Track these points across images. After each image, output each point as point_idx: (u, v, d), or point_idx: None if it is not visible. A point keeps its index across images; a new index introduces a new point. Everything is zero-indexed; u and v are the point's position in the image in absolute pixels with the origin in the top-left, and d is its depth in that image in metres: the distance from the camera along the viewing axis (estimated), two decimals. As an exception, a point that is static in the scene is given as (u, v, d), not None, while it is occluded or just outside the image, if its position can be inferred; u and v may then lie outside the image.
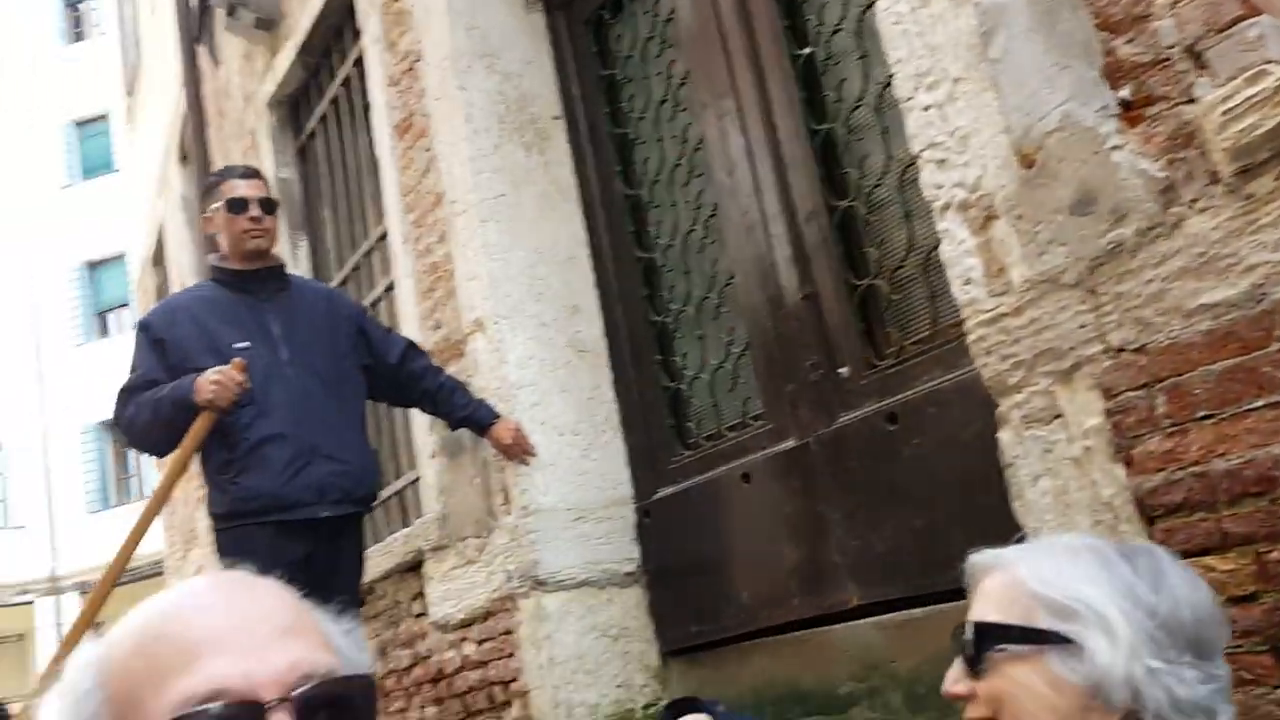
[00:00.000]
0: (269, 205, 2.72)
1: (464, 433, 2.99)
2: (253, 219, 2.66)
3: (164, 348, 2.60)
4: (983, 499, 1.79)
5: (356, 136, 4.19)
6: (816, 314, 2.44)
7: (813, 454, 2.43)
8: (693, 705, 1.27)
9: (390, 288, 3.79)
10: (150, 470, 14.91)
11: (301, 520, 2.56)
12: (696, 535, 2.78)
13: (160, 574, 11.75)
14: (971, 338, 1.68)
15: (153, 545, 14.26)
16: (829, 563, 2.37)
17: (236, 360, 2.52)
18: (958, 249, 1.69)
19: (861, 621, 2.30)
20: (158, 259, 9.40)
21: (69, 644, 2.65)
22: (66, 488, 19.73)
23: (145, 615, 0.71)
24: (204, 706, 0.64)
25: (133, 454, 19.79)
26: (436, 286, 3.30)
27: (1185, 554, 1.36)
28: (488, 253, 2.99)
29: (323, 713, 0.67)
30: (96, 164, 20.45)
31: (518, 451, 2.81)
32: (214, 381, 2.48)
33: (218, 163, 5.64)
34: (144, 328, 2.68)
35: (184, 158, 7.26)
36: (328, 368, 2.70)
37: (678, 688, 2.87)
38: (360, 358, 2.78)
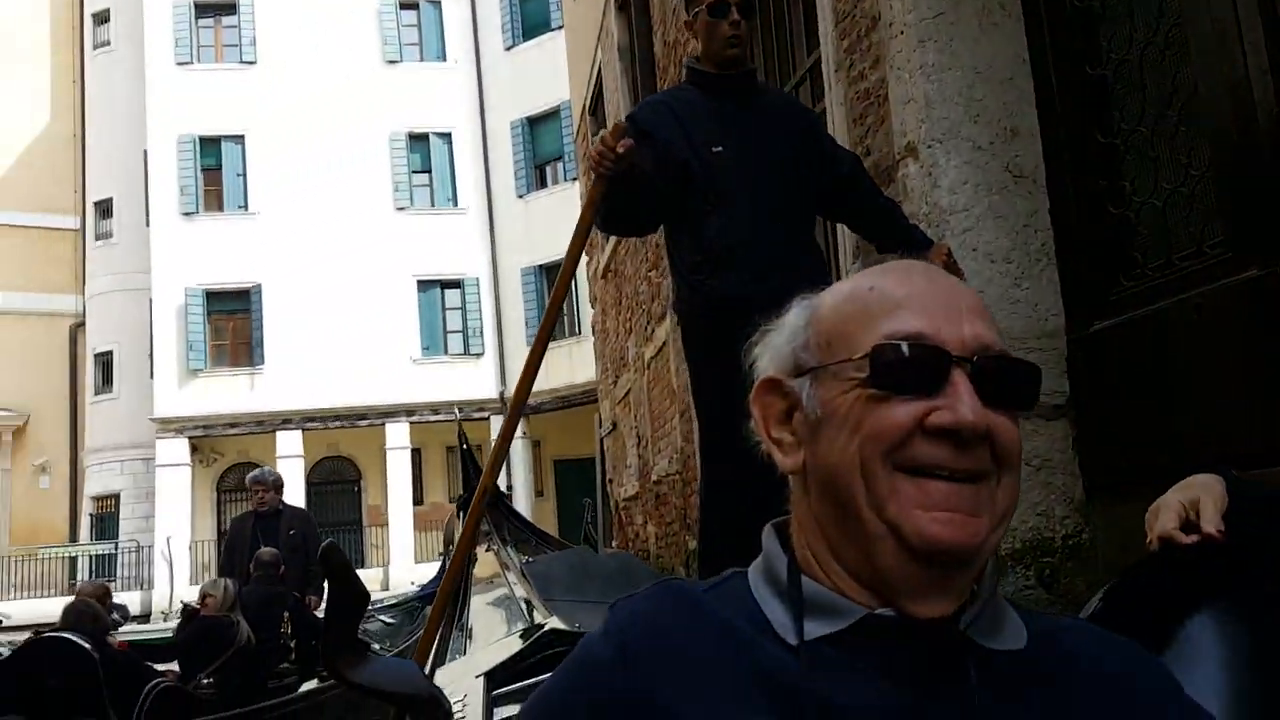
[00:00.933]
0: (747, 9, 2.78)
1: (891, 257, 3.05)
2: (732, 24, 2.73)
3: (651, 140, 2.69)
4: None
5: (788, -31, 4.24)
6: (1299, 127, 2.19)
7: (1281, 285, 2.22)
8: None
9: (820, 116, 3.87)
10: (585, 307, 16.47)
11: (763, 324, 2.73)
12: (1134, 371, 2.67)
13: (594, 400, 13.15)
14: None
15: (586, 375, 15.81)
16: (1288, 403, 2.19)
17: (617, 124, 2.60)
18: None
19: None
20: (594, 108, 10.16)
21: (496, 454, 2.97)
22: (511, 322, 22.37)
23: (858, 279, 0.85)
24: (902, 342, 0.77)
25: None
26: (868, 113, 3.33)
27: None
28: (924, 74, 2.95)
29: (993, 383, 0.76)
30: (536, 23, 22.18)
31: (951, 262, 2.77)
32: (598, 151, 2.56)
33: (655, 11, 5.94)
34: (631, 120, 2.80)
35: (621, 7, 7.70)
36: (791, 175, 2.73)
37: (1100, 522, 2.83)
38: (814, 168, 2.81)
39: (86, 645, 4.99)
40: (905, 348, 0.76)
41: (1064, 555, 2.83)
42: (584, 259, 12.04)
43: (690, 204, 2.72)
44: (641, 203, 2.73)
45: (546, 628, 2.79)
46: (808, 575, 0.80)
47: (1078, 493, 2.87)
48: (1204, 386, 2.44)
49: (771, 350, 0.85)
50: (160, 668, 6.27)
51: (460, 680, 2.61)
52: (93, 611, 5.61)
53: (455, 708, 2.26)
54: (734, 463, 2.56)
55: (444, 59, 23.18)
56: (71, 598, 6.41)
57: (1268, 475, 2.27)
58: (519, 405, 2.88)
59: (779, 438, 0.83)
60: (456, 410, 12.63)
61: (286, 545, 7.01)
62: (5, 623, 16.98)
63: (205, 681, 6.09)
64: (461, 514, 5.90)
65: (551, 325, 2.89)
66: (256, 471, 7.49)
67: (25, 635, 5.99)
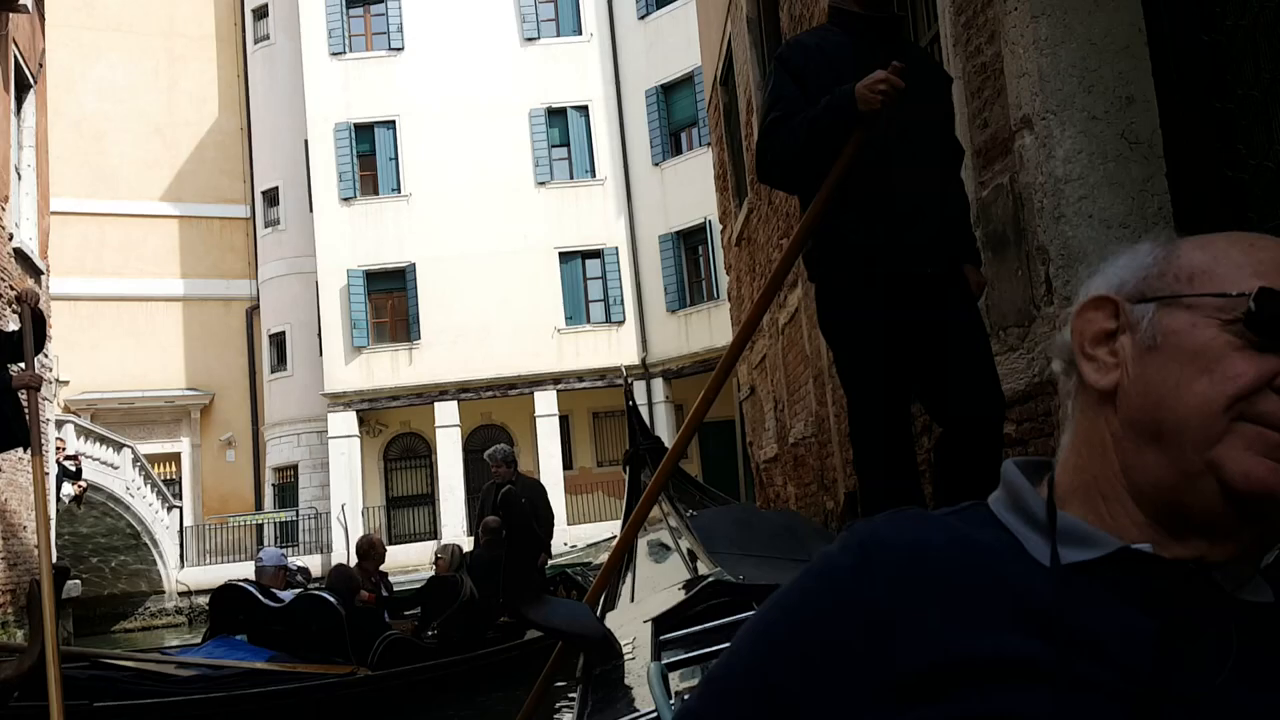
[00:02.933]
0: None
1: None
2: None
3: (803, 78, 2.65)
4: None
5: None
6: None
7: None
8: None
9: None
10: (721, 274, 16.69)
11: (908, 274, 2.60)
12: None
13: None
14: None
15: (725, 339, 15.98)
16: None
17: (894, 64, 2.46)
18: None
19: None
20: (725, 79, 10.31)
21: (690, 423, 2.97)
22: (650, 289, 22.74)
23: (1235, 234, 0.82)
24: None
25: (703, 260, 22.23)
26: (984, 86, 3.45)
27: None
28: (1038, 48, 3.07)
29: None
30: (669, -7, 22.30)
31: (980, 294, 2.81)
32: (883, 87, 2.43)
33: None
34: (782, 60, 2.74)
35: (749, -20, 7.82)
36: (933, 123, 2.73)
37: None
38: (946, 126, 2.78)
39: (334, 601, 6.51)
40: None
41: None
42: (720, 226, 12.22)
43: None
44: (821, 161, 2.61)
45: (710, 579, 2.83)
46: (1062, 507, 0.79)
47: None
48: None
49: (1110, 273, 0.83)
50: (409, 613, 8.08)
51: (628, 625, 2.67)
52: (345, 574, 7.42)
53: (625, 649, 2.36)
54: (883, 429, 2.64)
55: (579, 33, 23.60)
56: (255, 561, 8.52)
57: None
58: (724, 374, 2.83)
59: (1093, 354, 0.81)
60: (624, 372, 13.13)
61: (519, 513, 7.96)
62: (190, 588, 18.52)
63: (430, 633, 7.38)
64: (626, 468, 6.28)
65: (762, 312, 2.87)
66: (492, 449, 8.53)
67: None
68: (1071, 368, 0.83)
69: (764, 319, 8.91)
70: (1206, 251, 0.80)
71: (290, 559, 10.72)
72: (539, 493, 8.39)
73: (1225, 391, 0.74)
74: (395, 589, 8.77)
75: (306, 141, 23.25)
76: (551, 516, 8.33)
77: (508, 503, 1.82)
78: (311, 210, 22.98)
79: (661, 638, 2.34)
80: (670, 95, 22.63)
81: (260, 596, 6.75)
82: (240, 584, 7.10)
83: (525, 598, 1.80)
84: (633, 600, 3.49)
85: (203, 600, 19.28)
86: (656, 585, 3.43)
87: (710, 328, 20.64)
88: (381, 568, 8.33)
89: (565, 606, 2.46)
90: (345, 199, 22.73)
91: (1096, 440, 0.80)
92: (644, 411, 19.47)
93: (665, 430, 21.56)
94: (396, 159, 22.94)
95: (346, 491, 22.04)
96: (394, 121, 22.97)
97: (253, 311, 25.95)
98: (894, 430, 2.69)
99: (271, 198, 25.04)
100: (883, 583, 0.75)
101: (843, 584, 0.77)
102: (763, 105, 2.84)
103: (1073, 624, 0.72)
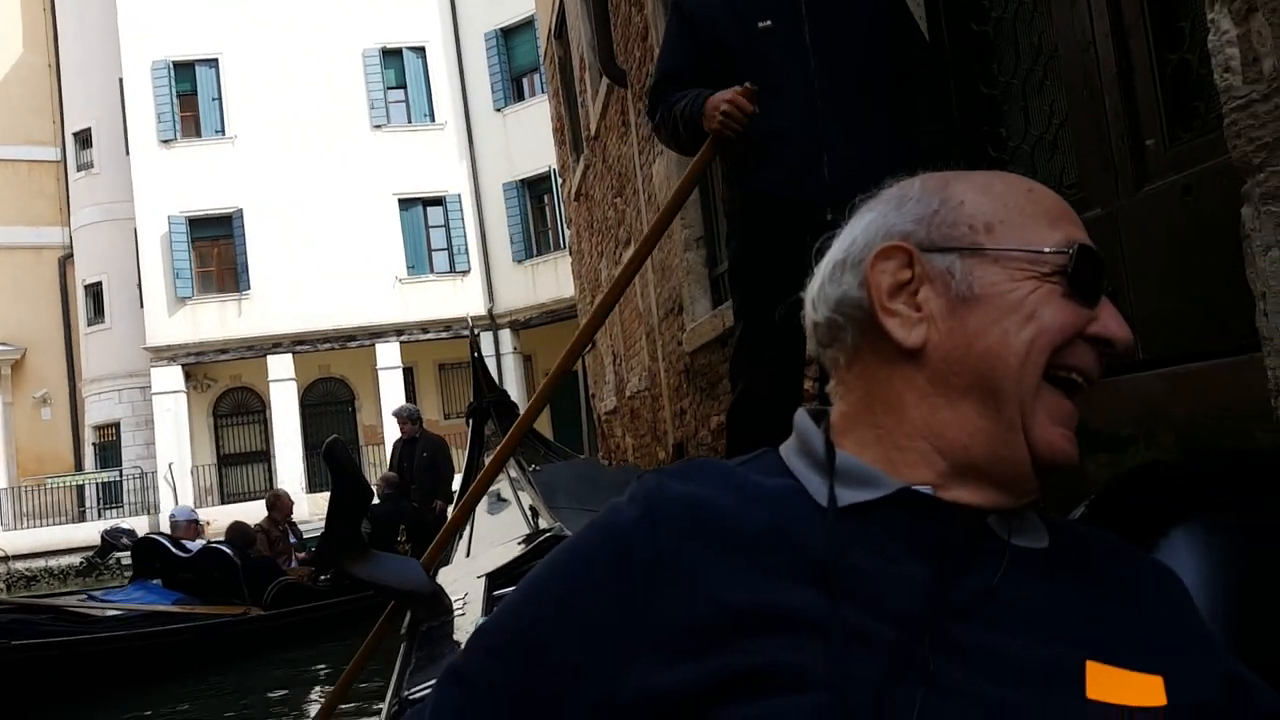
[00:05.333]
0: None
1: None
2: None
3: (693, 25, 2.51)
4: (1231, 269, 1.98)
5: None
6: (1129, 88, 2.56)
7: (1117, 222, 2.62)
8: None
9: None
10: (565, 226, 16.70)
11: (809, 221, 2.32)
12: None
13: (574, 316, 13.53)
14: (1226, 121, 1.84)
15: (573, 290, 16.16)
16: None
17: (746, 86, 2.34)
18: (1221, 39, 1.82)
19: (1145, 374, 2.55)
20: (559, 31, 10.30)
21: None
22: (495, 238, 22.57)
23: (1002, 175, 0.85)
24: (1068, 250, 0.79)
25: (549, 209, 22.19)
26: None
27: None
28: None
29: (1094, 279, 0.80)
30: (506, -64, 21.87)
31: None
32: (723, 111, 2.32)
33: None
34: (676, 6, 2.60)
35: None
36: (856, 54, 2.49)
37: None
38: (883, 52, 2.55)
39: (230, 553, 7.86)
40: (1094, 257, 0.80)
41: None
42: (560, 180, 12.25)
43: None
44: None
45: (550, 533, 2.81)
46: (845, 450, 0.79)
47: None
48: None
49: (887, 217, 0.82)
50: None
51: (462, 580, 2.65)
52: (240, 529, 8.64)
53: (456, 605, 2.33)
54: (765, 370, 2.46)
55: (414, -28, 22.96)
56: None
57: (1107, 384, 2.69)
58: (589, 333, 2.79)
59: (895, 309, 0.80)
60: (469, 322, 13.10)
61: (420, 465, 9.11)
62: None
63: (324, 578, 8.45)
64: (470, 422, 6.37)
65: (640, 264, 2.74)
66: (397, 407, 9.99)
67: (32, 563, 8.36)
68: (849, 321, 0.81)
69: (604, 275, 9.07)
70: (989, 198, 0.82)
71: (118, 522, 12.16)
72: (440, 448, 9.45)
73: (1048, 343, 0.77)
74: (305, 535, 9.94)
75: (121, 80, 21.88)
76: (452, 471, 9.07)
77: (330, 454, 1.69)
78: (128, 153, 21.73)
79: (495, 593, 2.31)
80: (511, 39, 22.33)
81: (171, 547, 7.96)
82: (154, 536, 8.62)
83: (351, 553, 1.80)
84: (468, 556, 3.47)
85: (21, 566, 18.33)
86: (494, 541, 3.42)
87: (558, 278, 20.70)
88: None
89: (394, 563, 2.41)
90: (165, 141, 21.59)
91: (893, 397, 0.80)
92: (491, 363, 19.46)
93: (514, 381, 21.58)
94: (220, 99, 21.90)
95: (174, 450, 21.23)
96: (216, 60, 21.88)
97: (66, 261, 24.45)
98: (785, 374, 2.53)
99: (84, 139, 23.55)
100: (665, 535, 0.74)
101: (625, 537, 0.76)
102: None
103: (848, 572, 0.72)
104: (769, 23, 2.44)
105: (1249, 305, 1.85)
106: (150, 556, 8.05)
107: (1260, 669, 0.83)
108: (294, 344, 21.71)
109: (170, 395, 21.40)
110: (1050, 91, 2.91)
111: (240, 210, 21.55)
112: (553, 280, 21.20)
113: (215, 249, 21.77)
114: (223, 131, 21.87)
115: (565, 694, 0.73)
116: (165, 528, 11.79)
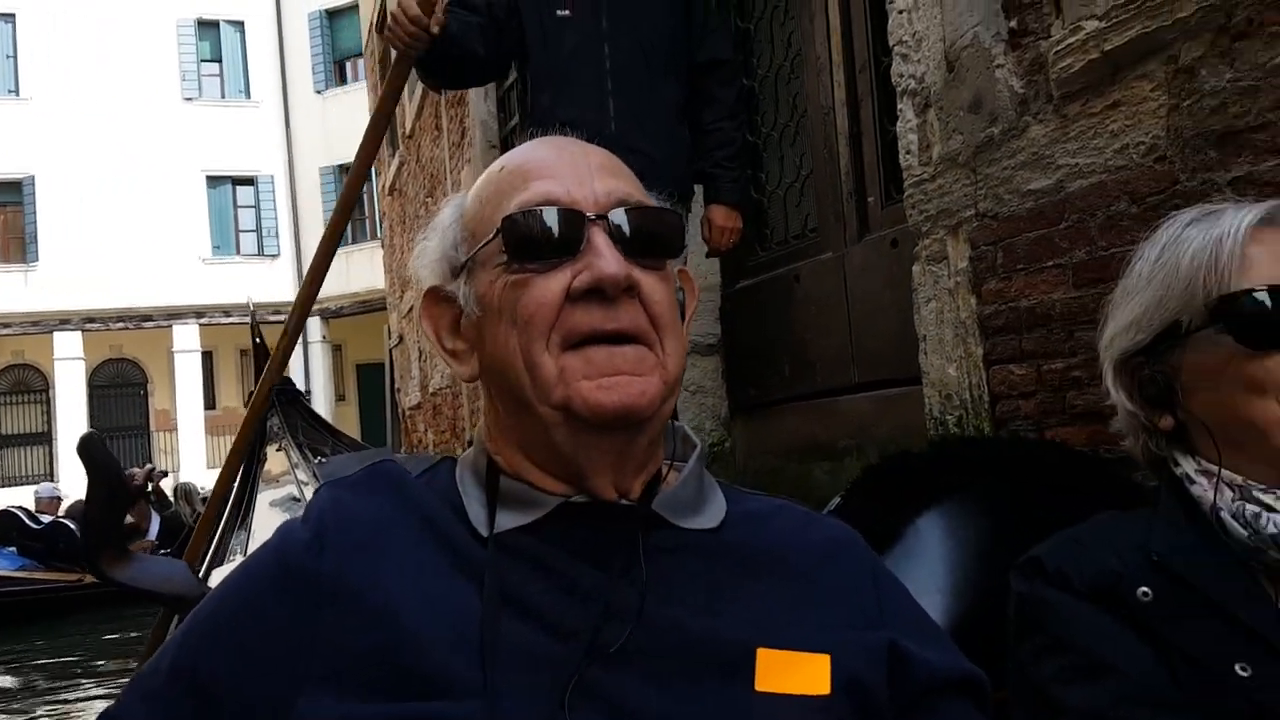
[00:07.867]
0: None
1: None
2: None
3: (475, 6, 2.39)
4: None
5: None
6: (858, 150, 2.98)
7: (844, 266, 3.04)
8: None
9: None
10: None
11: None
12: (760, 320, 3.47)
13: (384, 308, 13.47)
14: (905, 194, 2.25)
15: (379, 282, 16.00)
16: (844, 350, 3.03)
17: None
18: (906, 125, 2.23)
19: (859, 395, 2.98)
20: (381, 26, 10.30)
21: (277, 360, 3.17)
22: (309, 223, 22.01)
23: (495, 163, 0.83)
24: (535, 209, 0.75)
25: (366, 198, 21.82)
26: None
27: (998, 362, 1.98)
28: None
29: (636, 236, 0.76)
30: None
31: (721, 239, 2.70)
32: (391, 16, 2.21)
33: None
34: None
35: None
36: (653, 43, 2.46)
37: (738, 434, 3.66)
38: (684, 46, 2.54)
39: (73, 527, 8.83)
40: (535, 215, 0.75)
41: (711, 460, 3.65)
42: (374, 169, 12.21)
43: (526, 77, 2.45)
44: (468, 76, 2.47)
45: None
46: (505, 473, 0.78)
47: (723, 411, 3.69)
48: (799, 336, 3.26)
49: (428, 258, 0.82)
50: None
51: None
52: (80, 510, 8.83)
53: None
54: None
55: (235, -58, 22.13)
56: None
57: (829, 403, 3.12)
58: (305, 304, 2.74)
59: (453, 348, 0.81)
60: (250, 305, 12.71)
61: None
62: None
63: (165, 551, 8.61)
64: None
65: (340, 229, 2.61)
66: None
67: None
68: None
69: (411, 271, 9.14)
70: (476, 199, 0.80)
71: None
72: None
73: (536, 333, 0.74)
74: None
75: (-101, 26, 20.14)
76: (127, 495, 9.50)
77: (86, 449, 1.57)
78: (-96, 107, 20.02)
79: None
80: (335, 21, 21.84)
81: (25, 520, 9.36)
82: (12, 509, 9.70)
83: (108, 556, 1.75)
84: (247, 554, 3.55)
85: None
86: (277, 535, 3.53)
87: (373, 267, 20.28)
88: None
89: (158, 565, 2.30)
90: (-52, 96, 20.00)
91: (494, 421, 0.81)
92: (298, 350, 18.92)
93: (321, 371, 21.10)
94: (15, 56, 20.44)
95: (-57, 427, 19.68)
96: (13, 15, 20.43)
97: None
98: None
99: None
100: (333, 556, 0.74)
101: (295, 559, 0.75)
102: None
103: (504, 587, 0.72)
104: (567, 11, 2.43)
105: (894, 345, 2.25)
106: (8, 527, 9.25)
107: (1002, 622, 0.96)
108: (84, 321, 20.49)
109: (-62, 369, 19.86)
110: (801, 145, 3.32)
111: (31, 176, 20.16)
112: (368, 269, 20.80)
113: (2, 216, 20.31)
114: (16, 91, 20.40)
115: None
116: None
